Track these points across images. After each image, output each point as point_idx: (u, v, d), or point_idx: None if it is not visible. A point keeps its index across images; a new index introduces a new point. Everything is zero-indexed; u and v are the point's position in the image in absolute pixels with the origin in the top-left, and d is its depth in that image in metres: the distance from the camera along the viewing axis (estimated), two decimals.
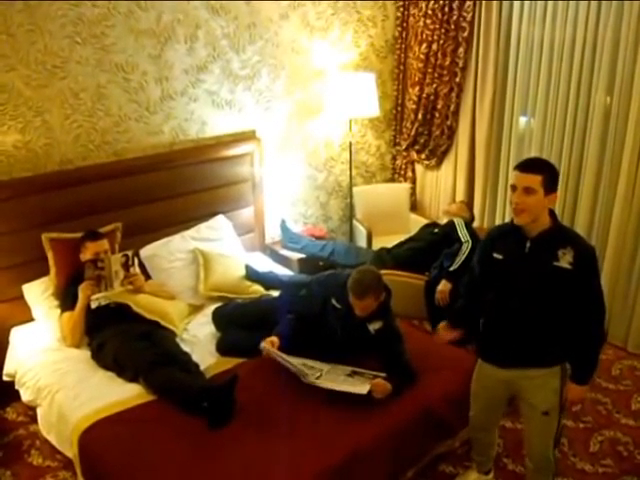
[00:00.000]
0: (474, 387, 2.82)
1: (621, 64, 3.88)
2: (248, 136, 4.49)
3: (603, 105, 4.05)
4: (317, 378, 2.96)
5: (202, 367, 3.17)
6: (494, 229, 2.78)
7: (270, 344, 3.07)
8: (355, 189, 5.24)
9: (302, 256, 4.67)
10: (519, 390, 2.62)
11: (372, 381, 2.91)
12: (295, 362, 3.02)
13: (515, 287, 2.48)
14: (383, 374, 2.98)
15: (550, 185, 2.35)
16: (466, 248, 4.01)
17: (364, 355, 3.14)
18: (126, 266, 3.47)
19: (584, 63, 4.08)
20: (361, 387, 2.86)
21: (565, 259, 2.35)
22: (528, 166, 2.37)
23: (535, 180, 2.32)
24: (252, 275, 3.98)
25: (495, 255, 2.52)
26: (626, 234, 4.07)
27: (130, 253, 3.51)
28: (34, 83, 3.49)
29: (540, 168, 2.36)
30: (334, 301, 3.16)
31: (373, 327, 3.06)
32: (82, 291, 3.35)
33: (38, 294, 3.56)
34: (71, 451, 2.86)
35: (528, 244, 2.43)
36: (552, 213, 2.44)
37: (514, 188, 2.37)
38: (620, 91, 3.92)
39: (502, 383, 2.64)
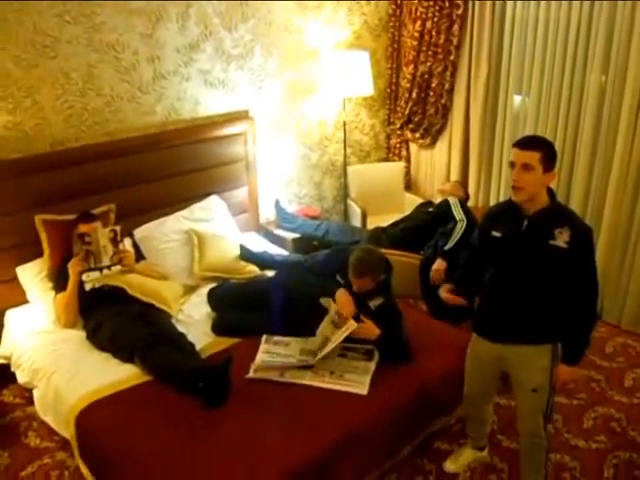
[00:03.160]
0: (468, 361, 2.85)
1: (616, 43, 3.86)
2: (241, 116, 4.46)
3: (598, 84, 4.03)
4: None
5: (198, 347, 3.18)
6: (493, 207, 2.80)
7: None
8: (349, 168, 5.22)
9: (297, 236, 4.67)
10: (509, 366, 2.65)
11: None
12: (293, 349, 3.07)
13: (512, 264, 2.50)
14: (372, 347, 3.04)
15: (549, 162, 2.35)
16: (461, 227, 4.01)
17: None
18: (114, 241, 3.45)
19: (579, 42, 4.06)
20: (357, 386, 2.88)
21: (561, 238, 2.36)
22: (527, 143, 2.38)
23: (534, 157, 2.33)
24: (247, 255, 3.98)
25: (494, 233, 2.54)
26: (620, 212, 4.08)
27: (118, 228, 3.49)
28: (24, 63, 3.45)
29: (539, 145, 2.37)
30: (338, 277, 3.18)
31: (374, 303, 3.10)
32: (71, 268, 3.34)
33: (32, 276, 3.54)
34: (68, 432, 2.87)
35: (525, 222, 2.44)
36: (551, 192, 2.45)
37: (513, 165, 2.38)
38: (615, 70, 3.90)
39: (494, 358, 2.67)
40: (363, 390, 2.85)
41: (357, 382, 2.89)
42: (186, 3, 3.97)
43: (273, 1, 4.41)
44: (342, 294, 3.10)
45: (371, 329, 2.98)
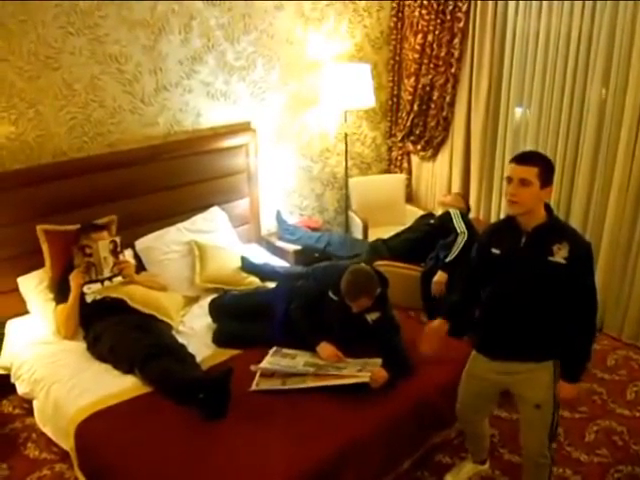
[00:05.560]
0: (465, 377, 2.81)
1: (617, 56, 3.87)
2: (243, 127, 4.47)
3: (598, 97, 4.04)
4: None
5: (198, 359, 3.17)
6: (492, 225, 2.80)
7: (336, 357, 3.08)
8: (350, 180, 5.22)
9: (298, 247, 4.66)
10: (511, 384, 2.63)
11: (372, 370, 2.93)
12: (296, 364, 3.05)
13: (511, 281, 2.48)
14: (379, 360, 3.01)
15: (546, 178, 2.35)
16: (462, 239, 4.02)
17: (362, 346, 3.14)
18: (115, 252, 3.46)
19: (580, 55, 4.07)
20: (361, 376, 2.88)
21: (560, 254, 2.35)
22: (524, 158, 2.38)
23: (531, 172, 2.32)
24: (248, 267, 3.97)
25: (493, 250, 2.52)
26: (621, 226, 4.07)
27: (118, 239, 3.50)
28: (27, 74, 3.46)
29: (536, 160, 2.36)
30: (331, 293, 3.17)
31: (371, 317, 3.09)
32: (72, 280, 3.36)
33: (33, 286, 3.54)
34: (67, 444, 2.86)
35: (524, 238, 2.43)
36: (548, 207, 2.44)
37: (510, 180, 2.38)
38: (616, 83, 3.91)
39: (494, 376, 2.64)
40: (365, 378, 2.84)
41: (359, 373, 2.90)
42: (189, 15, 3.99)
43: (276, 9, 4.45)
44: (324, 349, 3.09)
45: (381, 376, 2.91)
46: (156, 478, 2.46)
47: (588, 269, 2.42)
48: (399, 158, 5.50)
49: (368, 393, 2.85)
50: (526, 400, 2.59)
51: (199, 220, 4.19)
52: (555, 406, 2.56)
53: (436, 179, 5.35)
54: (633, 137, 3.88)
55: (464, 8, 4.60)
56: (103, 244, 3.41)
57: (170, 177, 4.08)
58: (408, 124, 5.19)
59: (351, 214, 5.20)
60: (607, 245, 4.16)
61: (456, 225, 4.14)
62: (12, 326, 3.52)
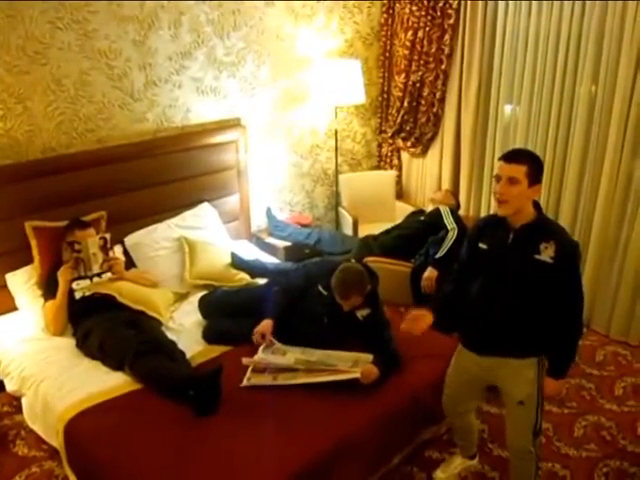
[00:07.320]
0: (450, 371, 2.83)
1: (606, 54, 3.89)
2: (233, 123, 4.46)
3: (588, 95, 4.06)
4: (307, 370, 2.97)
5: (188, 355, 3.16)
6: (481, 219, 2.79)
7: (260, 336, 3.12)
8: (341, 177, 5.23)
9: (288, 244, 4.66)
10: (496, 379, 2.64)
11: (363, 366, 2.94)
12: (284, 361, 3.04)
13: (497, 277, 2.49)
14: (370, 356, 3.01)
15: (534, 176, 2.35)
16: (452, 235, 4.04)
17: (351, 341, 3.15)
18: (104, 249, 3.45)
19: (569, 52, 4.08)
20: (352, 372, 2.89)
21: (546, 253, 2.36)
22: (513, 156, 2.38)
23: (519, 170, 2.32)
24: (238, 263, 3.97)
25: (481, 245, 2.53)
26: (609, 224, 4.10)
27: (108, 236, 3.49)
28: (15, 69, 3.43)
29: (525, 159, 2.36)
30: (320, 288, 3.17)
31: (361, 314, 3.10)
32: (61, 275, 3.34)
33: (22, 283, 3.52)
34: (57, 441, 2.84)
35: (511, 235, 2.44)
36: (537, 205, 2.44)
37: (498, 178, 2.38)
38: (605, 81, 3.93)
39: (479, 371, 2.65)
40: (357, 373, 2.85)
41: (350, 368, 2.91)
42: (179, 10, 3.98)
43: (266, 5, 4.44)
44: (261, 325, 3.17)
45: (372, 373, 2.91)
46: (146, 475, 2.46)
47: (574, 268, 2.43)
48: (389, 154, 5.51)
49: (359, 389, 2.85)
50: (510, 396, 2.60)
51: (189, 216, 4.17)
52: (539, 403, 2.57)
53: (426, 176, 5.36)
54: (622, 133, 3.90)
55: (454, 5, 4.60)
56: (92, 240, 3.39)
57: (160, 173, 4.07)
58: (398, 120, 5.20)
59: (341, 210, 5.20)
60: (596, 241, 4.18)
61: (446, 222, 4.16)
62: (0, 323, 3.50)
